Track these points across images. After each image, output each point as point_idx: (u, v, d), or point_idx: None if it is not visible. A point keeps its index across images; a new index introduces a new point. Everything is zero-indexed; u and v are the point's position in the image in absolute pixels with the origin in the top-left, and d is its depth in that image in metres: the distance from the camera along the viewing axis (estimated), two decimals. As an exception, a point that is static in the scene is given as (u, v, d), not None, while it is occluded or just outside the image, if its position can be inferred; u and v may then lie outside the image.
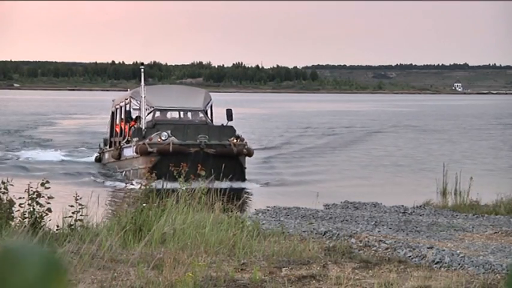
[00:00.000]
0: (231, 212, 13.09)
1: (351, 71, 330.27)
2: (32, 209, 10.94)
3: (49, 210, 11.12)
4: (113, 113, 31.46)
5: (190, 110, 28.52)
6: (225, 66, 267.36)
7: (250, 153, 25.88)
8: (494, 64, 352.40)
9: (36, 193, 11.14)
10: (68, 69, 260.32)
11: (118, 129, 29.78)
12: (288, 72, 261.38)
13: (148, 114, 27.32)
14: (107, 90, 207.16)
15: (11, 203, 10.96)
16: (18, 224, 10.50)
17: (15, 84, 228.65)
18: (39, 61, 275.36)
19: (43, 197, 11.15)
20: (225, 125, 26.82)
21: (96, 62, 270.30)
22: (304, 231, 13.73)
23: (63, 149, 39.61)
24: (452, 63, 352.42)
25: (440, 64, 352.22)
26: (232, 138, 25.35)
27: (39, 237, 8.20)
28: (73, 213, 11.48)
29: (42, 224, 10.85)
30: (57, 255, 0.63)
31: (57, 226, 11.43)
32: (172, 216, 11.91)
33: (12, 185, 11.39)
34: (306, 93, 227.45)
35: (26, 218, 10.73)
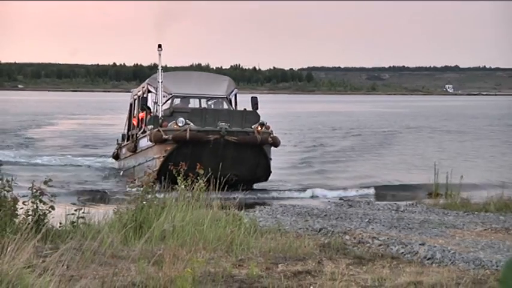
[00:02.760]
0: (229, 209, 13.10)
1: (345, 72, 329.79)
2: (35, 207, 10.95)
3: (52, 207, 11.13)
4: (131, 105, 28.09)
5: (212, 98, 25.26)
6: (223, 68, 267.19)
7: (276, 143, 22.49)
8: (484, 66, 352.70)
9: (39, 191, 11.16)
10: (70, 71, 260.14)
11: (135, 122, 26.63)
12: (284, 73, 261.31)
13: (166, 101, 24.11)
14: (108, 91, 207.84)
15: (15, 200, 10.97)
16: (22, 221, 10.49)
17: (20, 86, 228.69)
18: (42, 63, 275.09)
19: (46, 195, 11.17)
20: (248, 110, 23.37)
21: (97, 64, 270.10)
22: (299, 228, 13.74)
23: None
24: (443, 65, 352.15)
25: (432, 66, 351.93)
26: (256, 125, 22.00)
27: (41, 234, 8.20)
28: (75, 210, 11.50)
29: (45, 221, 10.85)
30: None
31: (60, 223, 11.44)
32: (172, 213, 11.91)
33: (16, 183, 11.40)
34: (302, 94, 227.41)
35: (29, 215, 10.73)
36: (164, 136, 21.53)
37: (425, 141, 47.60)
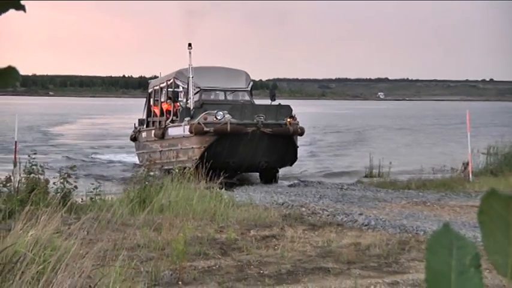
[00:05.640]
0: (212, 188, 13.07)
1: (302, 82, 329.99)
2: (63, 186, 10.90)
3: (75, 187, 11.09)
4: (149, 94, 25.10)
5: (235, 90, 22.35)
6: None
7: (302, 133, 20.08)
8: (407, 78, 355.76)
9: (66, 174, 11.13)
10: (89, 81, 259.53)
11: (157, 110, 23.63)
12: (254, 83, 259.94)
13: (195, 94, 21.30)
14: (119, 97, 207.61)
15: (47, 181, 10.92)
16: (52, 197, 10.41)
17: (50, 93, 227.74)
18: (68, 75, 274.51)
19: (71, 177, 11.12)
20: (282, 104, 20.72)
21: (111, 76, 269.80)
22: (267, 202, 13.72)
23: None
24: (376, 77, 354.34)
25: (368, 78, 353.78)
26: (287, 118, 19.54)
27: (67, 207, 8.14)
28: (93, 189, 11.45)
29: (70, 197, 10.80)
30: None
31: (82, 199, 11.39)
32: (168, 191, 11.88)
33: (47, 168, 11.34)
34: (268, 99, 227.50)
35: (58, 192, 10.66)
36: (205, 129, 18.99)
37: (386, 136, 46.83)
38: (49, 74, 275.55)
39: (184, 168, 14.32)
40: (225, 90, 22.22)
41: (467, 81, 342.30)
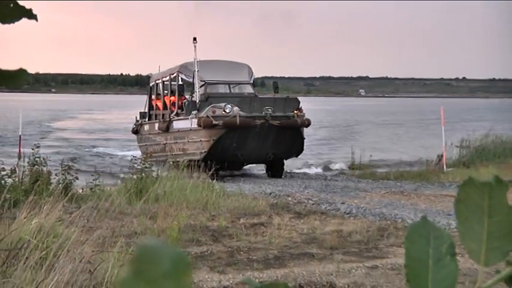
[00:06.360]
0: (205, 179, 13.07)
1: (288, 80, 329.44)
2: (64, 177, 10.86)
3: (76, 178, 11.05)
4: (151, 87, 23.51)
5: (239, 83, 21.03)
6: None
7: (309, 124, 19.03)
8: (386, 76, 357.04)
9: (67, 166, 11.09)
10: (89, 79, 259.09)
11: (160, 103, 22.36)
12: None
13: (200, 87, 20.03)
14: (117, 94, 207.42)
15: (49, 173, 10.88)
16: (54, 188, 10.37)
17: (52, 90, 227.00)
18: (69, 73, 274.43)
19: (72, 169, 11.08)
20: (290, 97, 19.77)
21: (109, 74, 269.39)
22: (255, 192, 13.72)
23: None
24: (358, 75, 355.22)
25: (350, 76, 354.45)
26: (294, 110, 18.44)
27: (68, 197, 8.11)
28: (93, 180, 11.41)
29: (71, 187, 10.76)
30: (185, 254, 0.55)
31: (82, 189, 11.35)
32: (163, 182, 11.86)
33: (50, 160, 11.29)
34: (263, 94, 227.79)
35: (60, 183, 10.62)
36: (214, 122, 17.87)
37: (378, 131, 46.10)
38: (51, 72, 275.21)
39: (179, 161, 14.29)
40: (229, 83, 20.98)
41: (442, 79, 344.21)
